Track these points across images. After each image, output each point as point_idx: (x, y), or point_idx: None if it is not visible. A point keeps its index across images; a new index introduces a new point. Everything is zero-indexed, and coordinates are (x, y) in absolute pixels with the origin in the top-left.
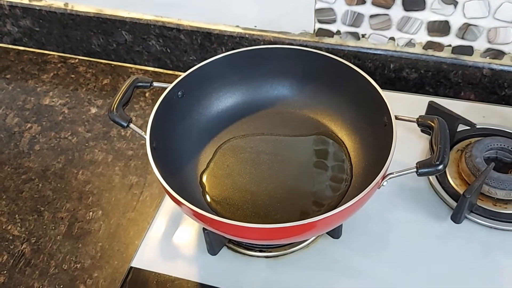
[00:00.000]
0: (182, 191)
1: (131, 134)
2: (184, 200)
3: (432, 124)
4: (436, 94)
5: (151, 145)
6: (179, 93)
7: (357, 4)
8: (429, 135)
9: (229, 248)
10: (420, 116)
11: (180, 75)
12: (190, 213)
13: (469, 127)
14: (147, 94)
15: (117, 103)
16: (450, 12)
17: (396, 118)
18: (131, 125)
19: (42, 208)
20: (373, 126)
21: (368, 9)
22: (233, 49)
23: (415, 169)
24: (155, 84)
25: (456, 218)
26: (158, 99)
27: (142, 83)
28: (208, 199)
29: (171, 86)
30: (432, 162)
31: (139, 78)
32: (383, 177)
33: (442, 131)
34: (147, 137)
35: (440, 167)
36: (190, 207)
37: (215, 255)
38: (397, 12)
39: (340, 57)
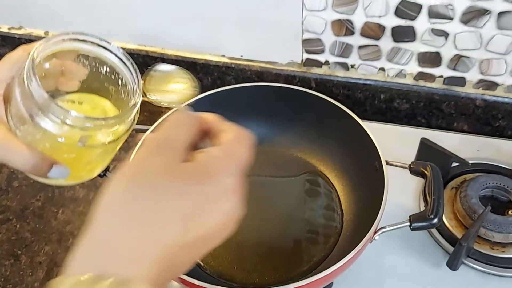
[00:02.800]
0: None
1: (114, 169)
2: None
3: (425, 172)
4: (429, 124)
5: None
6: None
7: (345, 34)
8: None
9: None
10: (412, 162)
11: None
12: None
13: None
14: None
15: None
16: (441, 43)
17: (387, 163)
18: (108, 174)
19: (19, 252)
20: (364, 169)
21: (356, 39)
22: (219, 78)
23: (408, 223)
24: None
25: (452, 265)
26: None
27: None
28: None
29: (150, 129)
30: (426, 215)
31: None
32: (375, 232)
33: (436, 180)
34: None
35: (435, 221)
36: None
37: None
38: (386, 43)
39: (329, 87)
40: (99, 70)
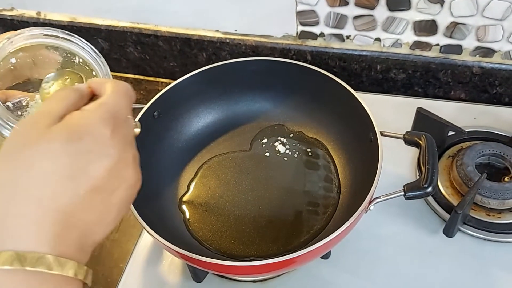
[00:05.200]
0: (162, 219)
1: None
2: (163, 239)
3: (420, 142)
4: (426, 94)
5: None
6: (155, 113)
7: (339, 5)
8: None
9: (214, 273)
10: (406, 132)
11: (161, 82)
12: (170, 251)
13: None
14: None
15: None
16: (436, 11)
17: (382, 134)
18: None
19: None
20: (359, 141)
21: (351, 10)
22: (214, 54)
23: (402, 193)
24: None
25: (449, 232)
26: (136, 110)
27: None
28: (190, 226)
29: (145, 107)
30: (420, 184)
31: None
32: (370, 202)
33: (430, 149)
34: None
35: (429, 189)
36: (169, 246)
37: (200, 282)
38: (381, 12)
39: (325, 59)
40: (72, 60)
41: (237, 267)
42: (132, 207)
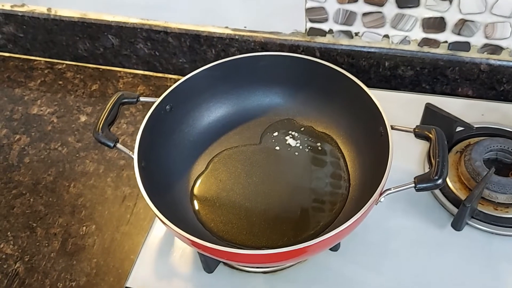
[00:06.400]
0: (174, 211)
1: (123, 142)
2: (176, 227)
3: (430, 135)
4: (433, 91)
5: (139, 164)
6: (167, 107)
7: (349, 2)
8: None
9: (225, 264)
10: (417, 126)
11: (170, 78)
12: (183, 240)
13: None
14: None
15: (102, 122)
16: (445, 8)
17: (392, 128)
18: (118, 145)
19: (35, 224)
20: (369, 135)
21: (360, 7)
22: (223, 50)
23: (413, 184)
24: (141, 99)
25: (457, 225)
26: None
27: (127, 99)
28: (201, 217)
29: (158, 101)
30: (430, 176)
31: (125, 94)
32: (380, 194)
33: (440, 142)
34: (135, 157)
35: (439, 181)
36: (182, 234)
37: (211, 273)
38: (390, 9)
39: (333, 56)
40: None
41: (250, 255)
42: (147, 198)
